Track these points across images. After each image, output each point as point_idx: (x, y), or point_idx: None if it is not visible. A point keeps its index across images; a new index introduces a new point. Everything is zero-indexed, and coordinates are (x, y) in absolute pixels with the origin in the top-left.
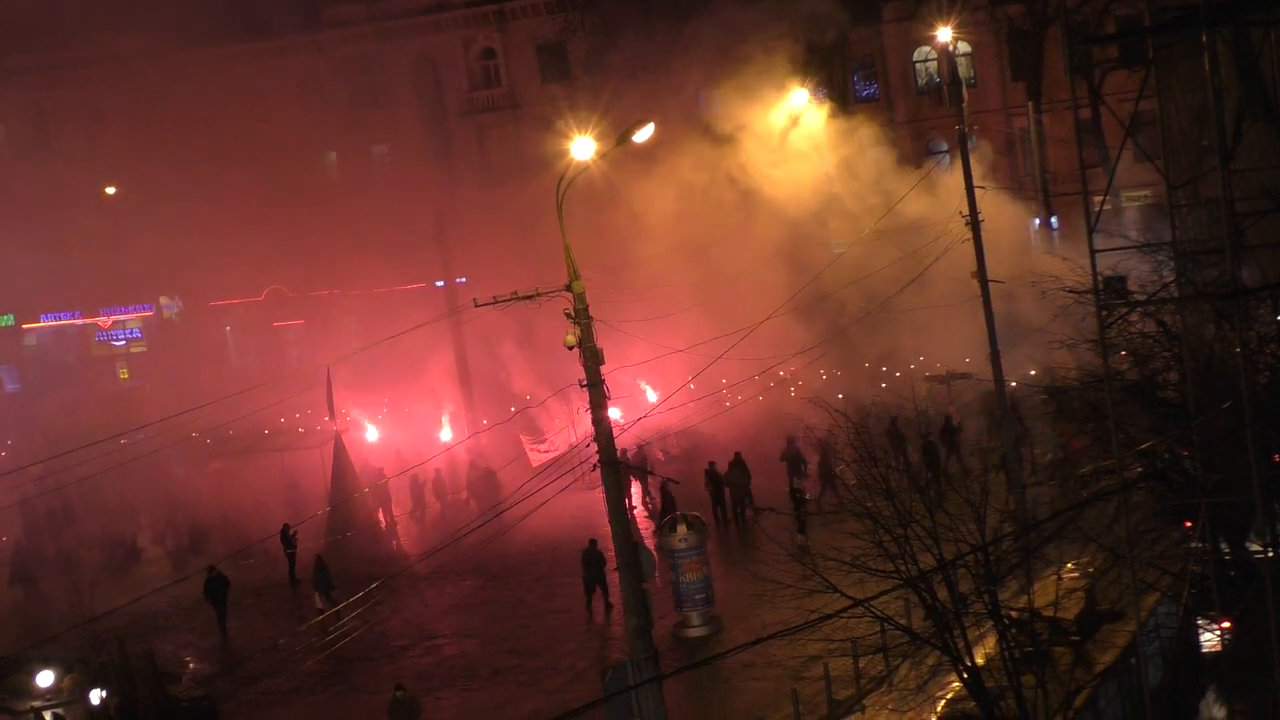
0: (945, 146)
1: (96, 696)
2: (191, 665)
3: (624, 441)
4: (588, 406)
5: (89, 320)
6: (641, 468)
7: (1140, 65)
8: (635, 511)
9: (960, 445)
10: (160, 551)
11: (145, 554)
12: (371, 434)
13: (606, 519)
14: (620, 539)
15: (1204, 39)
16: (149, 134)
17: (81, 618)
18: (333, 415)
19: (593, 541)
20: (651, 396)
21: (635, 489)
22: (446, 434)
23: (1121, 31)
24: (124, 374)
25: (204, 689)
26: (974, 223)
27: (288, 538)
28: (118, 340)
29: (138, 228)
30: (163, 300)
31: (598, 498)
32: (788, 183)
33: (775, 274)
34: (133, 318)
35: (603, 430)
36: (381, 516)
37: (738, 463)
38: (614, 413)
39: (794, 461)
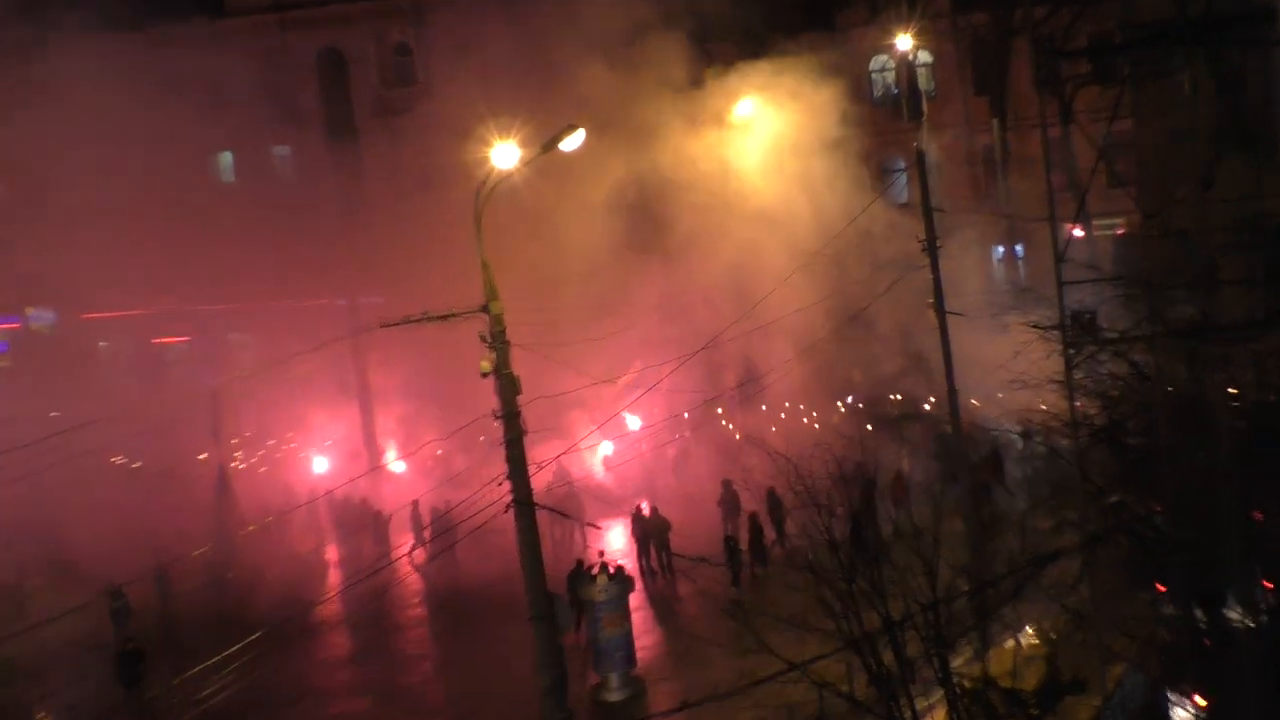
0: (902, 164)
1: None
2: None
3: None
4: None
5: None
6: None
7: (1115, 82)
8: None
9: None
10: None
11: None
12: (320, 464)
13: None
14: (533, 588)
15: (1182, 57)
16: (21, 127)
17: None
18: (217, 442)
19: (579, 562)
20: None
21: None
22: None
23: (1094, 46)
24: None
25: None
26: (931, 248)
27: (161, 579)
28: None
29: (4, 231)
30: (30, 311)
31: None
32: (729, 198)
33: (715, 299)
34: None
35: (518, 467)
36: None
37: (656, 512)
38: (607, 445)
39: (730, 507)
